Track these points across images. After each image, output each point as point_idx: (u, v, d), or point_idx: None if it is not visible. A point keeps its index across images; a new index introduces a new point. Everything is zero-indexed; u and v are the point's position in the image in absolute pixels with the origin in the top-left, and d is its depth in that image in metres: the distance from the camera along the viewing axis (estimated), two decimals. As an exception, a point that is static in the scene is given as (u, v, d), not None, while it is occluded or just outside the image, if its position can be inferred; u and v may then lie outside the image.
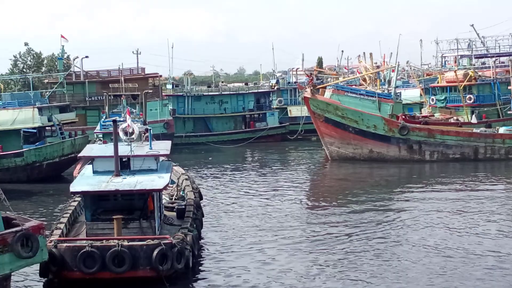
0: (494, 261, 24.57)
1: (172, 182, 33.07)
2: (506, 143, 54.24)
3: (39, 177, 47.30)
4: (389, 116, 54.94)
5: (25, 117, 49.99)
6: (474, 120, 62.17)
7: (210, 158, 60.92)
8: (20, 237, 19.09)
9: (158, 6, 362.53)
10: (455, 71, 69.54)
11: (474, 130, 56.30)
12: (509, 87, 61.43)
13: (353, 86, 63.27)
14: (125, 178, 23.92)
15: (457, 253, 25.67)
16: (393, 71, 58.66)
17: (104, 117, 49.25)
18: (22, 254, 19.09)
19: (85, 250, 20.92)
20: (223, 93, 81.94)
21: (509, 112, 60.51)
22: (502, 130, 56.14)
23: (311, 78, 60.43)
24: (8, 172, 46.04)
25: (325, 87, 58.35)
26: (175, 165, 35.13)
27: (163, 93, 74.49)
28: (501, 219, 31.66)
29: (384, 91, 57.46)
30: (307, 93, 56.60)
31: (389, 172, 49.76)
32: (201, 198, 31.45)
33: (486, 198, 37.07)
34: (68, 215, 25.83)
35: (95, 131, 45.40)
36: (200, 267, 24.33)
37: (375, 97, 55.45)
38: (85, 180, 24.22)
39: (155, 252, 21.04)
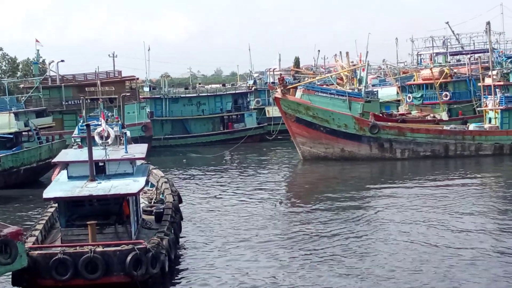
0: (468, 255, 24.97)
1: (152, 185, 32.95)
2: (476, 140, 54.74)
3: (16, 182, 46.84)
4: (360, 115, 55.14)
5: (1, 123, 49.53)
6: (445, 117, 62.58)
7: (184, 161, 60.81)
8: (-2, 243, 18.92)
9: (134, 9, 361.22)
10: (430, 69, 70.12)
11: (445, 127, 56.78)
12: (479, 84, 61.95)
13: (330, 86, 63.33)
14: (100, 182, 23.69)
15: (429, 249, 26.04)
16: (363, 70, 58.80)
17: (81, 121, 48.93)
18: (0, 260, 18.91)
19: (57, 257, 20.69)
20: (200, 94, 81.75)
21: (479, 108, 61.01)
22: (472, 127, 56.68)
23: (282, 78, 60.39)
24: (-15, 178, 45.53)
25: (296, 87, 58.44)
26: (154, 168, 34.96)
27: (140, 96, 74.16)
28: (472, 214, 32.19)
29: (361, 90, 57.56)
30: (278, 94, 56.70)
31: (361, 170, 50.05)
32: (180, 201, 31.22)
33: (456, 194, 37.53)
34: (44, 221, 25.53)
35: (73, 135, 45.08)
36: (176, 272, 24.17)
37: (346, 96, 55.65)
38: (59, 186, 23.99)
39: (129, 258, 20.78)
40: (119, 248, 21.08)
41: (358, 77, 61.26)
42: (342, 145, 55.48)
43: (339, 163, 53.70)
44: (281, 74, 63.56)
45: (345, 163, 53.45)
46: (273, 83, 76.75)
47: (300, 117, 55.92)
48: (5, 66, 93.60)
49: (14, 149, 49.34)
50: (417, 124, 57.88)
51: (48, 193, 23.19)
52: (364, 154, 54.96)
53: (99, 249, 20.95)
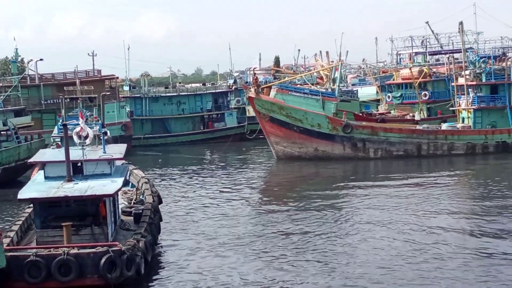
0: (440, 253, 25.38)
1: (132, 185, 32.76)
2: (449, 139, 55.22)
3: (-6, 182, 46.43)
4: (334, 114, 55.33)
5: (-21, 122, 49.05)
6: (417, 117, 62.93)
7: (160, 160, 60.69)
8: (-23, 244, 18.76)
9: (115, 8, 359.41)
10: (410, 68, 70.59)
11: (417, 127, 57.16)
12: (452, 84, 62.41)
13: (304, 85, 63.41)
14: (77, 183, 23.49)
15: (402, 247, 26.41)
16: (336, 69, 58.99)
17: (60, 120, 48.60)
18: (-22, 261, 18.76)
19: (30, 259, 20.49)
20: (180, 94, 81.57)
21: (451, 108, 61.53)
22: (444, 126, 57.13)
23: (255, 77, 60.48)
24: (-38, 178, 45.07)
25: (270, 87, 58.52)
26: (135, 168, 34.81)
27: (120, 95, 73.84)
28: (444, 213, 32.67)
29: (334, 89, 57.60)
30: (252, 93, 56.75)
31: (334, 170, 50.36)
32: (160, 202, 31.01)
33: (429, 193, 38.03)
34: (20, 222, 25.26)
35: (52, 135, 44.77)
36: (153, 274, 23.96)
37: (319, 95, 55.79)
38: (34, 186, 23.77)
39: (103, 260, 20.56)
40: (93, 250, 20.87)
41: (332, 77, 61.44)
42: (316, 145, 55.64)
43: (313, 162, 53.90)
44: (255, 74, 63.60)
45: (319, 162, 53.65)
46: (246, 82, 76.90)
47: (274, 116, 55.99)
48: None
49: (-8, 148, 48.90)
50: (391, 124, 58.18)
51: (23, 193, 22.94)
52: (338, 153, 55.14)
53: (73, 251, 20.73)
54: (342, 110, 56.32)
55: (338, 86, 58.30)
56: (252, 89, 56.95)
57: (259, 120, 57.53)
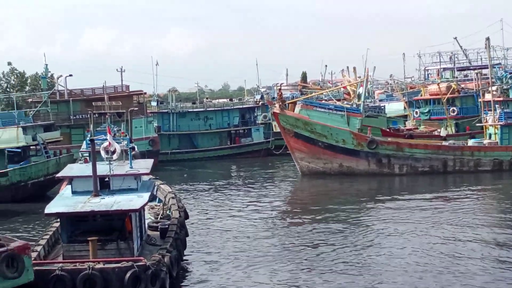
0: (468, 268, 25.21)
1: (159, 200, 32.87)
2: (475, 155, 54.52)
3: (24, 196, 46.93)
4: (358, 130, 55.07)
5: (9, 137, 49.68)
6: (443, 133, 62.36)
7: (185, 175, 60.92)
8: (5, 257, 18.95)
9: (143, 25, 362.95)
10: (438, 84, 70.15)
11: (443, 143, 56.60)
12: (479, 100, 61.86)
13: (329, 101, 63.34)
14: (104, 198, 23.54)
15: (430, 262, 26.18)
16: (361, 85, 58.76)
17: (88, 135, 49.05)
18: (7, 274, 18.95)
19: (55, 273, 20.57)
20: (208, 109, 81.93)
21: (478, 124, 60.96)
22: (470, 142, 56.49)
23: (280, 93, 60.62)
24: (-7, 192, 45.63)
25: (295, 103, 58.49)
26: (162, 183, 34.93)
27: (148, 110, 74.40)
28: (471, 228, 32.40)
29: (359, 105, 57.41)
30: (276, 109, 56.74)
31: (359, 186, 50.01)
32: (186, 217, 31.02)
33: (455, 209, 37.66)
34: (48, 236, 25.43)
35: (81, 149, 45.17)
36: (178, 290, 23.86)
37: (344, 111, 55.60)
38: (61, 201, 23.88)
39: (128, 275, 20.53)
40: (118, 265, 20.87)
41: (357, 92, 61.31)
42: (341, 160, 55.43)
43: (338, 178, 53.66)
44: (279, 89, 63.83)
45: (343, 178, 53.38)
46: (272, 98, 76.99)
47: (299, 132, 55.92)
48: (13, 80, 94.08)
49: (22, 163, 49.48)
50: (416, 140, 57.72)
51: (50, 208, 23.03)
52: (363, 169, 54.86)
53: (98, 266, 20.77)
54: (368, 125, 56.05)
55: (363, 101, 58.09)
56: (277, 105, 57.00)
57: (284, 136, 57.54)
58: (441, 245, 28.85)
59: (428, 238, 30.36)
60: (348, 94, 74.54)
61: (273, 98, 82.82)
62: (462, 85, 73.41)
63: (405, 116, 73.99)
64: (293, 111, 56.94)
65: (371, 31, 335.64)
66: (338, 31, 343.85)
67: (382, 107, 71.62)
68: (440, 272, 24.80)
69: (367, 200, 42.67)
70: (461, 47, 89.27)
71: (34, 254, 22.60)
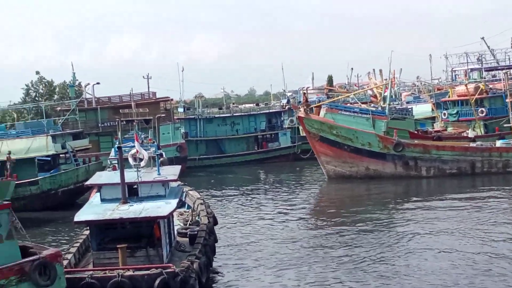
0: (501, 273, 24.66)
1: (188, 207, 32.97)
2: (503, 157, 53.83)
3: (54, 204, 47.43)
4: (384, 133, 54.72)
5: (39, 145, 50.28)
6: (470, 134, 61.65)
7: (212, 181, 61.03)
8: (38, 265, 19.11)
9: (168, 31, 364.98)
10: (466, 85, 69.42)
11: (471, 144, 55.99)
12: (507, 100, 61.13)
13: (354, 104, 63.05)
14: (132, 205, 23.66)
15: (461, 266, 25.83)
16: (386, 88, 58.42)
17: (116, 143, 49.46)
18: (40, 282, 19.10)
19: (85, 281, 20.70)
20: (234, 114, 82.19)
21: (506, 125, 60.16)
22: (499, 143, 55.79)
23: (305, 97, 60.45)
24: (24, 200, 46.07)
25: (320, 106, 58.33)
26: (190, 190, 35.03)
27: (175, 117, 74.82)
28: (502, 231, 31.79)
29: (385, 107, 57.07)
30: (301, 113, 56.62)
31: (386, 189, 49.69)
32: (215, 222, 30.99)
33: (485, 212, 37.09)
34: (78, 244, 25.63)
35: (109, 157, 45.54)
36: (208, 296, 23.87)
37: (369, 114, 55.31)
38: (91, 209, 24.04)
39: (157, 282, 20.53)
40: (147, 272, 20.91)
41: (392, 94, 60.86)
42: (367, 164, 55.13)
43: (364, 181, 53.42)
44: (304, 93, 63.80)
45: (370, 181, 53.14)
46: (299, 102, 76.88)
47: (324, 136, 55.75)
48: (42, 89, 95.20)
49: (51, 171, 50.05)
50: (443, 142, 57.17)
51: (79, 216, 23.19)
52: (389, 172, 54.47)
53: (128, 273, 20.83)
54: (394, 128, 55.69)
55: (388, 104, 57.76)
56: (302, 109, 56.93)
57: (309, 140, 57.48)
58: (472, 247, 28.52)
59: (458, 240, 30.05)
60: (375, 96, 74.13)
61: (299, 102, 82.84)
62: (490, 86, 72.50)
63: (433, 118, 73.40)
64: (318, 115, 56.80)
65: (397, 32, 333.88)
66: (363, 33, 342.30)
67: (410, 109, 71.12)
68: (474, 275, 24.47)
69: (394, 203, 42.45)
70: (488, 47, 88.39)
71: (64, 262, 22.63)
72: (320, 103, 61.39)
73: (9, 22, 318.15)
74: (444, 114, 69.59)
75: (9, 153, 47.72)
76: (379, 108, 57.77)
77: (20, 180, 46.48)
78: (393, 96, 72.81)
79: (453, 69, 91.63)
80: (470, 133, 62.28)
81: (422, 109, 78.61)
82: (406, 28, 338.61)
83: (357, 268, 26.45)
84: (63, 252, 23.39)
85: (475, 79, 77.49)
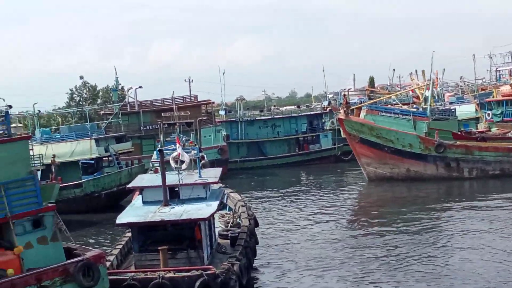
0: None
1: (229, 209, 33.08)
2: None
3: (98, 207, 48.04)
4: (425, 134, 54.08)
5: (83, 149, 51.06)
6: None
7: (252, 183, 61.06)
8: (82, 267, 19.41)
9: (209, 35, 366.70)
10: (510, 85, 68.30)
11: None
12: None
13: (394, 105, 62.45)
14: (173, 207, 23.85)
15: (504, 271, 25.37)
16: (427, 89, 57.69)
17: (159, 146, 49.85)
18: (84, 283, 19.39)
19: (126, 283, 20.91)
20: (275, 117, 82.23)
21: None
22: None
23: (345, 99, 60.14)
24: (68, 202, 46.70)
25: (360, 108, 57.95)
26: (232, 192, 35.15)
27: (216, 119, 75.12)
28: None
29: (426, 108, 56.36)
30: (341, 115, 56.32)
31: (428, 191, 49.09)
32: (257, 225, 31.10)
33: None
34: (120, 246, 25.94)
35: (152, 160, 45.93)
36: (248, 298, 23.94)
37: (410, 115, 54.75)
38: (133, 211, 24.30)
39: (197, 284, 20.66)
40: (188, 274, 21.02)
41: (434, 95, 60.11)
42: (408, 165, 54.58)
43: (405, 183, 52.91)
44: (344, 95, 63.44)
45: (411, 183, 52.61)
46: (340, 104, 76.47)
47: (364, 137, 55.41)
48: (86, 93, 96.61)
49: (95, 174, 50.75)
50: (486, 143, 56.18)
51: (121, 218, 23.46)
52: (431, 174, 53.88)
53: (168, 274, 20.98)
54: (436, 129, 54.99)
55: (430, 105, 57.08)
56: (342, 111, 56.66)
57: (349, 142, 57.18)
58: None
59: (501, 242, 29.59)
60: (417, 97, 73.32)
61: (340, 104, 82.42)
62: (536, 85, 71.19)
63: (477, 119, 72.29)
64: (358, 116, 56.47)
65: (439, 32, 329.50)
66: (404, 34, 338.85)
67: (453, 110, 70.17)
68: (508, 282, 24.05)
69: (436, 205, 41.89)
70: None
71: (107, 264, 23.03)
72: (360, 105, 61.00)
73: (51, 28, 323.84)
74: (488, 114, 68.61)
75: (54, 156, 48.54)
76: (420, 109, 57.12)
77: (64, 183, 47.35)
78: (436, 97, 71.88)
79: (497, 69, 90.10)
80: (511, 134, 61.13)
81: (465, 110, 77.41)
82: (449, 29, 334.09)
83: (398, 270, 26.27)
84: (106, 254, 23.72)
85: (520, 78, 76.08)
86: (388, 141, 54.76)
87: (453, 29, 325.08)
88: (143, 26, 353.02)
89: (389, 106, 62.20)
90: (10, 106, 21.15)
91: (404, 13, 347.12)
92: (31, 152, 28.91)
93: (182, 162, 27.66)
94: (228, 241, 26.71)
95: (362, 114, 56.31)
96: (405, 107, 61.28)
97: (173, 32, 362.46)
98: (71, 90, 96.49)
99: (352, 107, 58.60)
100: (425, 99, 57.45)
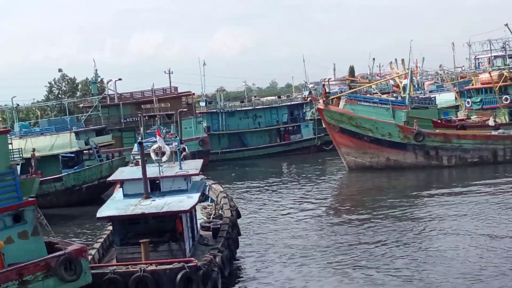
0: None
1: (212, 200, 33.01)
2: None
3: (78, 200, 47.81)
4: (404, 123, 54.31)
5: (63, 142, 50.74)
6: (491, 122, 60.83)
7: (233, 175, 61.07)
8: (63, 261, 19.31)
9: (190, 26, 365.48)
10: (489, 72, 68.65)
11: (493, 133, 55.37)
12: None
13: (373, 95, 62.68)
14: (154, 200, 23.68)
15: (482, 257, 25.62)
16: (405, 78, 57.99)
17: (139, 138, 49.62)
18: (66, 278, 19.29)
19: (107, 276, 20.75)
20: (256, 107, 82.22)
21: None
22: None
23: (324, 89, 60.20)
24: (49, 196, 46.55)
25: (339, 98, 58.09)
26: (214, 183, 35.08)
27: (197, 111, 74.96)
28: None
29: (404, 97, 56.65)
30: (320, 104, 56.37)
31: (407, 179, 49.45)
32: (239, 216, 31.04)
33: (507, 200, 36.62)
34: (102, 239, 25.78)
35: (132, 152, 45.72)
36: (230, 289, 23.87)
37: (389, 104, 54.93)
38: (113, 204, 24.11)
39: (179, 276, 20.54)
40: (169, 266, 20.91)
41: (414, 84, 60.48)
42: (387, 154, 54.82)
43: (385, 172, 53.15)
44: (323, 85, 63.56)
45: (391, 172, 52.85)
46: (328, 93, 76.55)
47: (344, 127, 55.52)
48: (65, 86, 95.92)
49: (75, 167, 50.46)
50: (464, 131, 56.55)
51: (102, 212, 23.23)
52: (410, 162, 54.13)
53: (150, 267, 20.86)
54: (416, 117, 55.21)
55: (409, 94, 57.34)
56: (321, 100, 56.72)
57: (329, 131, 57.34)
58: (496, 235, 28.28)
59: (481, 231, 29.72)
60: (397, 86, 73.68)
61: (321, 93, 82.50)
62: (515, 73, 71.54)
63: (457, 107, 72.76)
64: (338, 106, 56.57)
65: (420, 22, 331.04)
66: (385, 23, 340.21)
67: (433, 98, 70.55)
68: (500, 263, 24.31)
69: (416, 193, 42.17)
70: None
71: (88, 258, 22.91)
72: (339, 95, 61.16)
73: (31, 21, 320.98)
74: (468, 102, 68.87)
75: (34, 150, 48.17)
76: (399, 98, 57.34)
77: (44, 177, 47.01)
78: (416, 86, 72.18)
79: (476, 57, 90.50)
80: (491, 122, 61.54)
81: (445, 98, 77.95)
82: (429, 18, 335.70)
83: (380, 257, 26.42)
84: (87, 248, 23.57)
85: (499, 66, 76.49)
86: (367, 130, 54.92)
87: (434, 19, 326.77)
88: (123, 18, 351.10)
89: (368, 95, 62.32)
90: (-12, 100, 20.91)
91: (386, 2, 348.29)
92: (10, 146, 28.71)
93: (163, 154, 27.50)
94: (210, 233, 26.61)
95: (341, 103, 56.41)
96: (384, 96, 61.48)
97: (153, 24, 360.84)
98: (49, 83, 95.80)
99: (331, 97, 58.67)
100: (404, 88, 57.74)
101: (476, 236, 28.73)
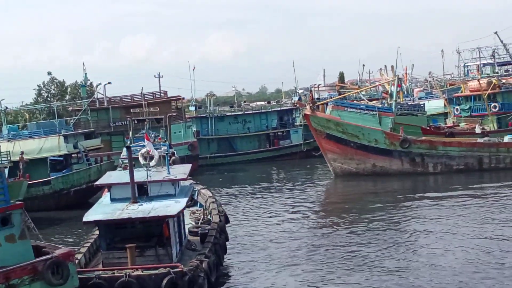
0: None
1: (200, 205, 32.92)
2: (511, 152, 53.35)
3: (67, 204, 47.63)
4: (391, 129, 54.45)
5: (51, 145, 50.54)
6: (477, 130, 61.05)
7: (220, 179, 61.00)
8: (51, 265, 19.20)
9: (181, 30, 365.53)
10: (478, 80, 68.99)
11: (478, 140, 55.62)
12: None
13: (360, 101, 62.89)
14: (142, 204, 23.59)
15: (468, 262, 25.70)
16: (393, 84, 58.13)
17: (128, 142, 49.52)
18: (53, 281, 19.18)
19: (92, 281, 20.64)
20: (246, 112, 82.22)
21: None
22: (506, 139, 55.30)
23: (312, 95, 60.33)
24: (37, 200, 46.33)
25: (326, 104, 58.23)
26: (202, 188, 34.99)
27: (186, 115, 74.86)
28: (508, 226, 31.65)
29: (391, 104, 56.79)
30: (307, 110, 56.47)
31: (393, 186, 49.50)
32: (227, 221, 30.92)
33: (493, 207, 36.84)
34: (89, 244, 25.62)
35: (121, 156, 45.63)
36: (217, 296, 23.77)
37: (375, 111, 55.07)
38: (100, 209, 23.99)
39: (165, 281, 20.41)
40: (155, 271, 20.79)
41: (404, 90, 60.69)
42: (373, 161, 54.88)
43: (371, 178, 53.17)
44: (311, 91, 63.74)
45: (377, 178, 52.87)
46: (317, 98, 76.71)
47: (330, 133, 55.57)
48: (54, 90, 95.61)
49: (64, 171, 50.24)
50: (451, 138, 56.76)
51: (88, 216, 23.08)
52: (396, 169, 54.20)
53: (136, 272, 20.73)
54: (405, 124, 55.38)
55: (395, 100, 57.48)
56: (308, 106, 56.81)
57: (316, 137, 57.42)
58: (480, 245, 28.24)
59: (466, 237, 29.80)
60: (387, 93, 73.86)
61: (317, 98, 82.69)
62: (503, 80, 71.98)
63: (446, 114, 73.06)
64: (324, 112, 56.68)
65: (410, 29, 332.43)
66: (376, 30, 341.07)
67: (422, 105, 70.84)
68: (483, 271, 24.37)
69: (401, 200, 42.21)
70: (501, 41, 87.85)
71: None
72: (326, 101, 61.30)
73: (22, 23, 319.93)
74: (457, 109, 69.20)
75: (22, 153, 47.98)
76: (386, 105, 57.51)
77: (32, 180, 46.80)
78: (406, 92, 72.44)
79: (466, 64, 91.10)
80: (477, 129, 61.77)
81: (434, 105, 78.26)
82: (419, 25, 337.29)
83: (366, 265, 26.39)
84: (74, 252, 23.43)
85: (488, 74, 77.01)
86: (353, 136, 55.02)
87: (424, 26, 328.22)
88: (114, 21, 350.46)
89: (355, 101, 62.48)
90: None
91: (378, 10, 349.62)
92: (-3, 149, 28.58)
93: (151, 158, 27.43)
94: (198, 238, 26.48)
95: (328, 110, 56.51)
96: (373, 102, 61.64)
97: (144, 28, 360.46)
98: (38, 86, 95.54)
99: (318, 103, 58.75)
100: (391, 95, 57.87)
101: (460, 243, 28.77)
